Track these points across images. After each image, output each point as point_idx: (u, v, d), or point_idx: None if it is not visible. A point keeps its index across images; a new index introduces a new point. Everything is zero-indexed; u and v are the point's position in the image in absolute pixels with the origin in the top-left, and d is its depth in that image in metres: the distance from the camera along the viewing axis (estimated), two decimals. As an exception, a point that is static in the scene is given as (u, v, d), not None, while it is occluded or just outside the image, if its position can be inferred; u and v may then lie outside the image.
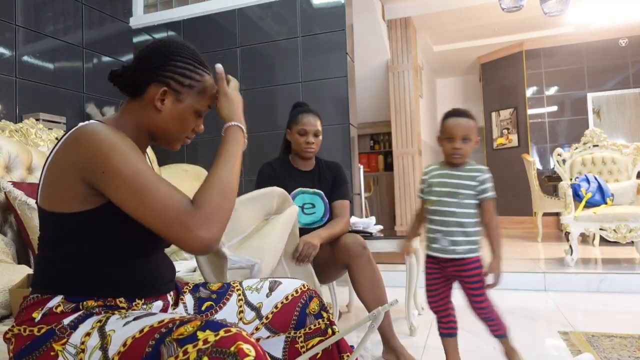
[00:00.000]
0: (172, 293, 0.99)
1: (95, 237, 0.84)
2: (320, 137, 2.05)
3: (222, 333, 0.69)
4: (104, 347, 0.75)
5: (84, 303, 0.83)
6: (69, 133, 0.85)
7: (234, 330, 0.71)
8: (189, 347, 0.69)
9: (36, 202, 0.89)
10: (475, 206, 1.64)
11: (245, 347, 0.68)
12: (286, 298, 1.01)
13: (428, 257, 1.68)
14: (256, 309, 1.00)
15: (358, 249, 1.87)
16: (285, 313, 1.00)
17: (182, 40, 1.00)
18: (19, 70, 2.95)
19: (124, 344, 0.74)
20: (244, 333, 0.71)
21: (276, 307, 1.00)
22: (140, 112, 0.94)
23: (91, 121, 0.88)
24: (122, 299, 0.86)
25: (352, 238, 1.90)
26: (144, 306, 0.88)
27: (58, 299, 0.82)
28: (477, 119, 6.50)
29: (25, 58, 3.02)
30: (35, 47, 3.10)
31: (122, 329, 0.77)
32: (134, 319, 0.78)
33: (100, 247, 0.85)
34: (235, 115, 0.97)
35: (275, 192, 1.54)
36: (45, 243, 0.88)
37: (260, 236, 1.40)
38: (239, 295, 1.02)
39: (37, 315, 0.81)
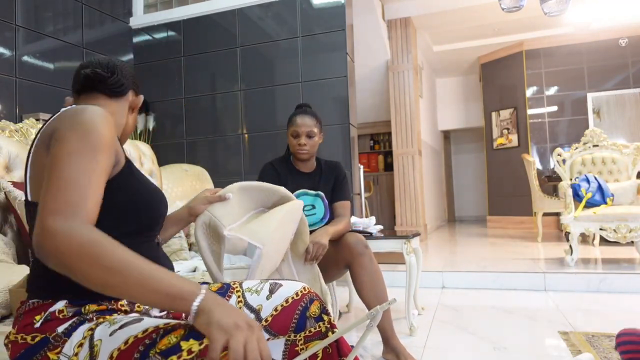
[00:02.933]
0: None
1: (112, 215, 0.85)
2: (316, 138, 2.01)
3: (206, 341, 0.68)
4: (92, 358, 0.74)
5: (87, 307, 0.82)
6: (60, 111, 0.88)
7: None
8: (174, 358, 0.68)
9: (25, 199, 0.88)
10: None
11: None
12: (286, 301, 0.99)
13: None
14: (255, 311, 0.98)
15: (360, 248, 1.88)
16: (285, 316, 0.97)
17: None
18: (19, 70, 2.95)
19: (111, 356, 0.73)
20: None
21: (276, 309, 0.98)
22: (118, 112, 1.05)
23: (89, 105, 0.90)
24: (123, 302, 0.85)
25: (354, 237, 1.92)
26: (146, 307, 0.88)
27: (61, 303, 0.81)
28: (477, 119, 6.50)
29: (25, 58, 3.02)
30: (35, 47, 3.10)
31: (108, 339, 0.76)
32: (120, 327, 0.77)
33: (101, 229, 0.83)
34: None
35: (279, 191, 1.47)
36: None
37: (261, 222, 1.32)
38: (239, 296, 1.01)
39: (39, 319, 0.80)
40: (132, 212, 0.91)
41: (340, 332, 0.92)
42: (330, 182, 2.08)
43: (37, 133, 0.88)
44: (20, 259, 1.66)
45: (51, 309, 0.81)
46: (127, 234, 0.88)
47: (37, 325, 0.80)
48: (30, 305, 0.83)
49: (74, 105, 0.89)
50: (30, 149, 0.88)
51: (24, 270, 1.42)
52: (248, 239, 1.23)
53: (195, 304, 0.68)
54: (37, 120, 2.34)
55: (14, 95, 2.91)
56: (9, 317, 1.28)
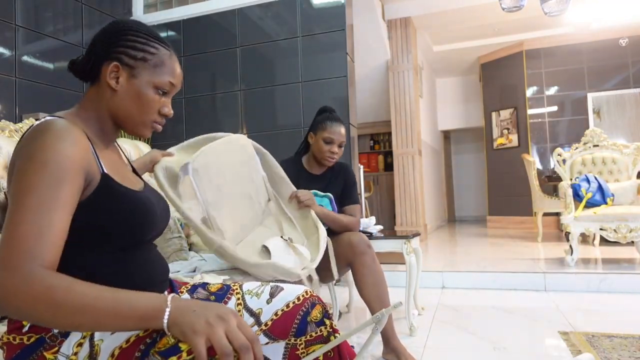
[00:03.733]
0: (166, 292, 0.97)
1: (78, 238, 0.79)
2: (343, 148, 2.06)
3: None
4: (93, 357, 0.74)
5: None
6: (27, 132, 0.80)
7: None
8: (173, 358, 0.68)
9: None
10: None
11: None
12: (287, 305, 0.97)
13: None
14: (255, 315, 0.96)
15: (362, 247, 1.89)
16: (285, 320, 0.96)
17: (134, 20, 0.95)
18: (19, 70, 2.95)
19: (112, 355, 0.73)
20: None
21: (276, 314, 0.96)
22: (98, 97, 0.88)
23: (50, 117, 0.81)
24: None
25: (357, 236, 1.93)
26: None
27: None
28: (477, 119, 6.49)
29: (25, 58, 3.02)
30: (35, 47, 3.10)
31: (110, 337, 0.75)
32: None
33: (85, 248, 0.81)
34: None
35: (209, 136, 1.65)
36: None
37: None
38: (238, 299, 0.99)
39: (26, 323, 0.79)
40: (116, 230, 0.83)
41: (344, 335, 0.91)
42: (339, 185, 2.11)
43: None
44: (20, 259, 1.66)
45: None
46: (115, 249, 0.84)
47: (26, 328, 0.79)
48: None
49: (36, 121, 0.80)
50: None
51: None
52: (184, 160, 1.43)
53: (165, 319, 0.66)
54: (37, 120, 2.34)
55: (14, 95, 2.91)
56: (7, 317, 1.28)
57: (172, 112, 0.94)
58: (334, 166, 2.14)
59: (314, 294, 1.02)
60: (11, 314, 0.68)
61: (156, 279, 0.92)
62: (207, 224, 1.41)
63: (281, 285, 1.03)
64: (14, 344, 0.79)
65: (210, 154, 1.50)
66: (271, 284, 1.03)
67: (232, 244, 1.43)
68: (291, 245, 1.56)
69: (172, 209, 1.20)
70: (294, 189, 1.81)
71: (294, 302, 0.97)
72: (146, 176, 1.43)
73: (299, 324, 0.96)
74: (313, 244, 1.70)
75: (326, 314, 1.00)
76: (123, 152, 1.05)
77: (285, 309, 0.96)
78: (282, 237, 1.61)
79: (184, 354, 0.68)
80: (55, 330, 0.78)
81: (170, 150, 1.54)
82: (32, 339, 0.78)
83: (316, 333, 0.97)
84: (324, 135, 2.00)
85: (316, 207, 1.85)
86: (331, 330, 0.98)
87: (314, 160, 2.10)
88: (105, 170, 0.83)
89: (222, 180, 1.52)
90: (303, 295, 1.00)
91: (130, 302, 0.67)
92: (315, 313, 0.98)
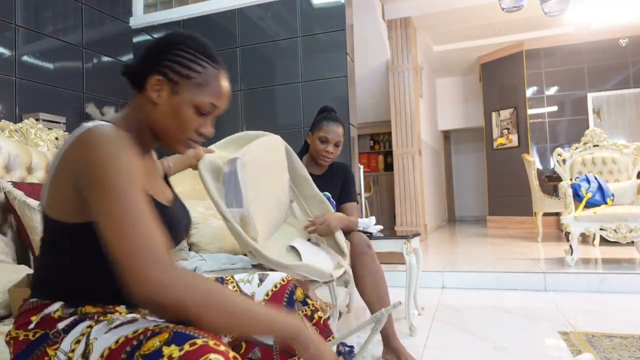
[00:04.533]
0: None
1: (96, 248, 0.79)
2: (341, 147, 2.07)
3: (186, 347, 0.67)
4: (86, 356, 0.74)
5: (82, 309, 0.82)
6: (75, 135, 0.79)
7: (199, 342, 0.68)
8: None
9: (40, 206, 0.87)
10: None
11: (214, 357, 0.66)
12: (275, 286, 1.10)
13: None
14: (250, 298, 1.06)
15: (363, 247, 1.89)
16: (275, 299, 1.08)
17: (192, 33, 0.92)
18: (19, 70, 2.95)
19: (102, 355, 0.73)
20: (211, 343, 0.68)
21: (267, 295, 1.08)
22: (141, 107, 0.88)
23: (100, 122, 0.81)
24: (122, 307, 0.85)
25: (358, 236, 1.94)
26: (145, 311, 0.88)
27: (57, 305, 0.82)
28: (477, 119, 6.48)
29: (25, 58, 3.02)
30: (35, 47, 3.10)
31: (103, 337, 0.76)
32: (116, 327, 0.77)
33: (100, 259, 0.81)
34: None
35: (248, 134, 1.64)
36: (47, 249, 0.86)
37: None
38: (234, 286, 1.09)
39: (34, 319, 0.80)
40: None
41: (344, 335, 0.92)
42: (338, 185, 2.11)
43: (61, 151, 0.81)
44: (20, 259, 1.66)
45: (47, 311, 0.81)
46: None
47: (32, 325, 0.80)
48: (29, 305, 0.83)
49: (86, 127, 0.79)
50: (55, 163, 0.81)
51: (24, 270, 1.42)
52: (231, 155, 1.45)
53: (302, 341, 0.79)
54: (37, 120, 2.34)
55: (14, 95, 2.91)
56: (8, 317, 1.28)
57: (212, 132, 0.92)
58: (334, 166, 2.15)
59: (292, 279, 1.16)
60: (168, 310, 0.71)
61: None
62: (244, 221, 1.41)
63: (266, 272, 1.16)
64: (19, 340, 0.80)
65: (257, 151, 1.53)
66: (258, 272, 1.16)
67: (263, 242, 1.47)
68: (320, 245, 1.62)
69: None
70: (317, 190, 1.81)
71: (280, 283, 1.11)
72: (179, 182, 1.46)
73: (287, 300, 1.10)
74: (332, 244, 1.78)
75: (307, 295, 1.14)
76: (157, 162, 1.05)
77: (274, 289, 1.10)
78: (309, 240, 1.68)
79: (165, 359, 0.67)
80: (60, 327, 0.79)
81: (211, 147, 1.55)
82: (37, 335, 0.79)
83: (303, 312, 1.10)
84: (320, 135, 2.02)
85: (332, 231, 1.83)
86: (314, 308, 1.11)
87: (313, 160, 2.11)
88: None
89: (262, 179, 1.55)
90: (286, 278, 1.14)
91: (272, 319, 0.78)
92: (299, 293, 1.12)
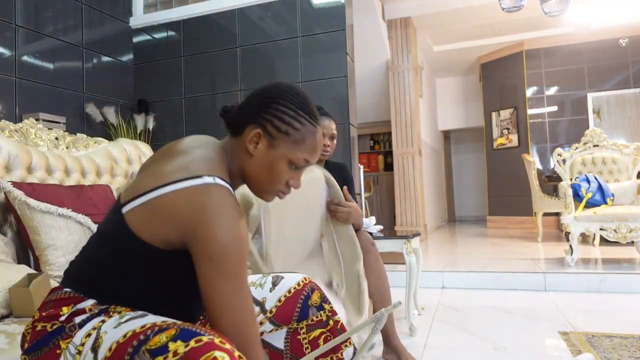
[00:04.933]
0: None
1: (159, 274, 0.83)
2: (335, 140, 2.08)
3: (192, 343, 0.68)
4: (95, 349, 0.75)
5: (114, 307, 0.82)
6: (191, 185, 0.79)
7: (205, 339, 0.69)
8: (160, 358, 0.69)
9: (120, 208, 0.83)
10: None
11: (218, 354, 0.67)
12: (289, 291, 1.03)
13: None
14: (260, 304, 1.02)
15: (367, 245, 1.89)
16: (288, 306, 1.02)
17: (296, 87, 0.94)
18: (19, 70, 2.95)
19: (110, 349, 0.74)
20: (216, 340, 0.69)
21: (279, 300, 1.02)
22: (235, 153, 0.91)
23: (217, 181, 0.81)
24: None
25: (361, 235, 1.93)
26: None
27: (91, 301, 0.82)
28: (477, 119, 6.47)
29: (25, 58, 3.02)
30: (35, 47, 3.10)
31: (113, 331, 0.76)
32: (126, 321, 0.78)
33: (155, 284, 0.84)
34: None
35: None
36: (110, 251, 0.84)
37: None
38: None
39: (66, 311, 0.81)
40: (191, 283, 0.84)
41: (345, 334, 0.92)
42: (338, 182, 2.10)
43: (164, 180, 0.81)
44: (20, 258, 1.66)
45: (80, 305, 0.82)
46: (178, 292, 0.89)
47: (63, 317, 0.81)
48: (63, 294, 0.83)
49: (199, 178, 0.80)
50: (157, 192, 0.80)
51: (24, 270, 1.42)
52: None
53: None
54: (37, 120, 2.34)
55: (14, 95, 2.91)
56: (8, 317, 1.28)
57: (300, 184, 0.95)
58: (331, 164, 2.15)
59: (312, 280, 1.08)
60: None
61: (193, 320, 0.95)
62: (262, 257, 1.38)
63: (281, 274, 1.08)
64: (37, 331, 0.81)
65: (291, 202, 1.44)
66: (272, 274, 1.09)
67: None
68: (337, 294, 1.54)
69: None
70: (352, 231, 1.70)
71: (294, 288, 1.04)
72: None
73: (301, 308, 1.03)
74: (352, 294, 1.64)
75: (324, 299, 1.06)
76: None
77: (288, 295, 1.03)
78: (331, 283, 1.60)
79: (170, 355, 0.68)
80: (77, 320, 0.80)
81: None
82: (55, 326, 0.80)
83: (317, 317, 1.03)
84: None
85: (350, 221, 1.80)
86: (330, 314, 1.04)
87: None
88: None
89: (288, 221, 1.48)
90: (302, 281, 1.06)
91: None
92: (315, 297, 1.05)
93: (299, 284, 1.05)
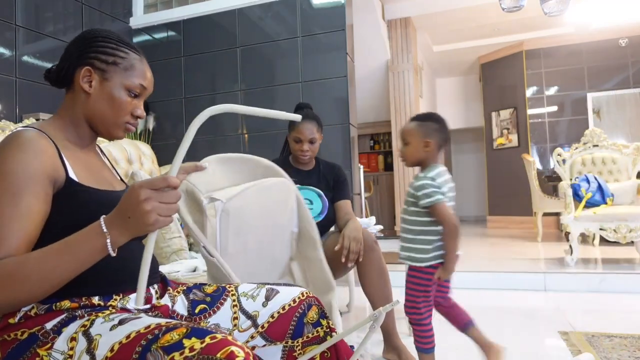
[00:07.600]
0: (156, 286, 0.96)
1: (53, 234, 0.80)
2: (317, 143, 2.05)
3: (207, 340, 0.69)
4: (91, 351, 0.74)
5: (57, 304, 0.81)
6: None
7: (219, 336, 0.70)
8: (176, 354, 0.68)
9: None
10: (420, 213, 1.59)
11: (235, 349, 0.68)
12: (283, 308, 0.99)
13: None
14: (252, 317, 0.98)
15: (369, 243, 1.88)
16: (281, 323, 0.98)
17: (104, 28, 0.99)
18: (19, 70, 2.95)
19: (112, 349, 0.73)
20: (229, 337, 0.70)
21: (272, 316, 0.98)
22: (73, 102, 0.93)
23: (19, 129, 0.86)
24: (96, 298, 0.84)
25: (365, 233, 1.92)
26: (122, 301, 0.86)
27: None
28: (477, 119, 6.44)
29: (25, 58, 3.02)
30: (35, 47, 3.10)
31: (109, 333, 0.76)
32: (119, 323, 0.77)
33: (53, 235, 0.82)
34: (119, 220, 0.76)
35: (261, 162, 1.44)
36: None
37: (235, 187, 1.34)
38: (234, 300, 1.00)
39: (13, 321, 0.79)
40: (80, 229, 0.80)
41: (341, 334, 0.91)
42: (328, 182, 2.10)
43: None
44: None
45: (23, 309, 0.81)
46: None
47: (15, 327, 0.80)
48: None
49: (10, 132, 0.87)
50: None
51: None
52: (214, 195, 1.26)
53: (108, 240, 0.73)
54: (37, 120, 2.34)
55: (14, 95, 2.91)
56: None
57: (144, 113, 0.98)
58: (324, 164, 2.15)
59: (310, 295, 1.03)
60: None
61: (134, 275, 0.88)
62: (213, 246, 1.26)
63: (277, 288, 1.03)
64: (8, 340, 0.80)
65: (250, 198, 1.32)
66: (267, 286, 1.04)
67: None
68: None
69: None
70: (322, 254, 1.55)
71: (289, 305, 0.99)
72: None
73: (296, 326, 0.98)
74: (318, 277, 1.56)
75: (323, 315, 1.01)
76: (105, 156, 1.10)
77: (282, 312, 0.98)
78: None
79: (187, 351, 0.68)
80: (48, 327, 0.79)
81: (206, 161, 1.33)
82: (25, 335, 0.79)
83: (313, 334, 0.98)
84: (294, 135, 2.02)
85: (361, 238, 1.81)
86: (328, 330, 0.99)
87: (296, 158, 2.10)
88: (71, 174, 0.87)
89: (250, 235, 1.35)
90: (299, 297, 1.01)
91: (72, 244, 0.74)
92: (312, 314, 1.00)
93: (294, 301, 1.00)
